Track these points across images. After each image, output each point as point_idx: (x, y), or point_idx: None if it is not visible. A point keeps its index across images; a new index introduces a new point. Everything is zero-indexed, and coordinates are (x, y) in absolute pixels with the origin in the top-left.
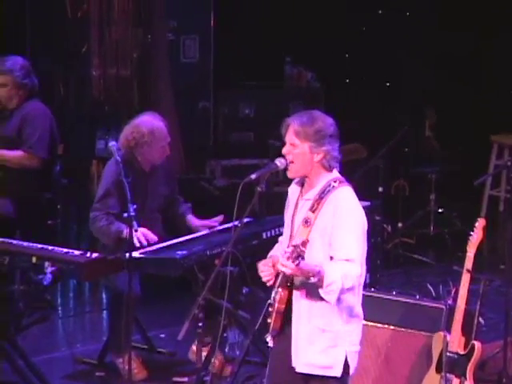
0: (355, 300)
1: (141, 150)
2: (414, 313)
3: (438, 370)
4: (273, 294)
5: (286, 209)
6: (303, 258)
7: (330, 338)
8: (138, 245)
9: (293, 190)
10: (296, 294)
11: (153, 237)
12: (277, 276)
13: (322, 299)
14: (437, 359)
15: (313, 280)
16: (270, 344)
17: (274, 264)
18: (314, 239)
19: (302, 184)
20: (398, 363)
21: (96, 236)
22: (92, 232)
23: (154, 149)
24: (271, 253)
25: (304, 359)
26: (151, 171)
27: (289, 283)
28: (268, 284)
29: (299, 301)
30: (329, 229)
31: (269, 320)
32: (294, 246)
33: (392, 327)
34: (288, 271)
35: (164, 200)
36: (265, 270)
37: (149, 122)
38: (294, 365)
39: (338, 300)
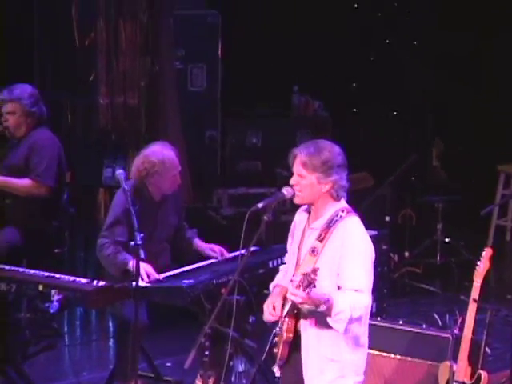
0: (361, 330)
1: (151, 179)
2: (421, 342)
3: None
4: (279, 325)
5: (290, 235)
6: (314, 286)
7: (339, 368)
8: (144, 277)
9: (300, 218)
10: (304, 322)
11: (156, 277)
12: (282, 306)
13: (330, 328)
14: None
15: (321, 309)
16: (277, 374)
17: (282, 295)
18: (321, 268)
19: (309, 212)
20: None
21: (102, 263)
22: (100, 261)
23: (165, 178)
24: (273, 283)
25: None
26: (161, 201)
27: (296, 312)
28: (266, 320)
29: (307, 330)
30: (336, 259)
31: (275, 350)
32: (305, 275)
33: (398, 356)
34: (298, 300)
35: (173, 230)
36: (272, 313)
37: (159, 151)
38: None
39: (345, 329)
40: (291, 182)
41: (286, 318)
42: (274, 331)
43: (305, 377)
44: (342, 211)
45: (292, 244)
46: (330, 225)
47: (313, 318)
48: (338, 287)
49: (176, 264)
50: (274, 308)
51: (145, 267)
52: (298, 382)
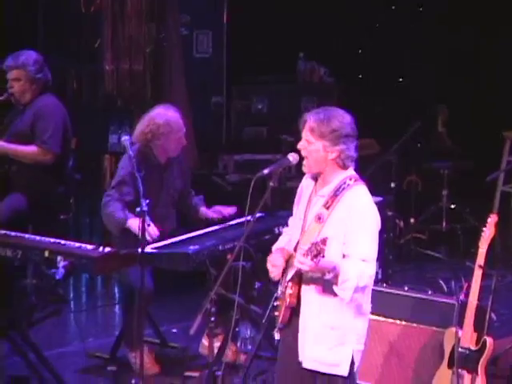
0: (364, 298)
1: (157, 141)
2: (426, 308)
3: (450, 365)
4: (280, 288)
5: (296, 200)
6: (323, 256)
7: (338, 336)
8: (150, 239)
9: (307, 184)
10: (307, 288)
11: (154, 231)
12: (284, 270)
13: (333, 295)
14: (448, 355)
15: (328, 276)
16: (277, 337)
17: (285, 258)
18: (325, 236)
19: (315, 178)
20: (410, 359)
21: (105, 223)
22: (104, 221)
23: (171, 140)
24: (276, 245)
25: (311, 355)
26: (166, 164)
27: (300, 277)
28: (274, 279)
29: (310, 296)
30: (342, 227)
31: (276, 313)
32: (313, 244)
33: (403, 323)
34: (306, 268)
35: (178, 194)
36: (277, 264)
37: (163, 113)
38: (300, 359)
39: (348, 299)
40: (298, 145)
41: (290, 283)
42: (276, 294)
43: (300, 343)
44: (350, 179)
45: (298, 209)
46: (337, 192)
47: (317, 285)
48: (344, 255)
49: (183, 229)
50: (274, 266)
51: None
52: (295, 346)
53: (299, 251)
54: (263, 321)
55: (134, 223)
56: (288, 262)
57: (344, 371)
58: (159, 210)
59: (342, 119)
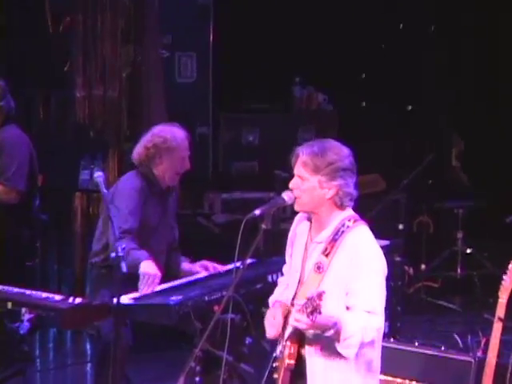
0: (374, 354)
1: (160, 159)
2: (439, 366)
3: None
4: (279, 348)
5: (288, 247)
6: (320, 313)
7: None
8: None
9: (301, 229)
10: (309, 349)
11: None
12: (284, 327)
13: (338, 354)
14: None
15: (329, 334)
16: None
17: (283, 314)
18: (327, 288)
19: (309, 220)
20: None
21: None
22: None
23: (176, 158)
24: (272, 298)
25: None
26: (167, 193)
27: (298, 336)
28: (270, 338)
29: (312, 357)
30: (345, 276)
31: (275, 375)
32: (309, 299)
33: (414, 383)
34: (302, 326)
35: (173, 238)
36: (276, 321)
37: (169, 128)
38: None
39: (356, 355)
40: (290, 184)
41: (288, 343)
42: (275, 354)
43: None
44: (349, 220)
45: (292, 257)
46: (335, 237)
47: (318, 343)
48: (347, 307)
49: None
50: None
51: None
52: None
53: (295, 307)
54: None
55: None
56: (286, 317)
57: None
58: (153, 245)
59: (339, 151)
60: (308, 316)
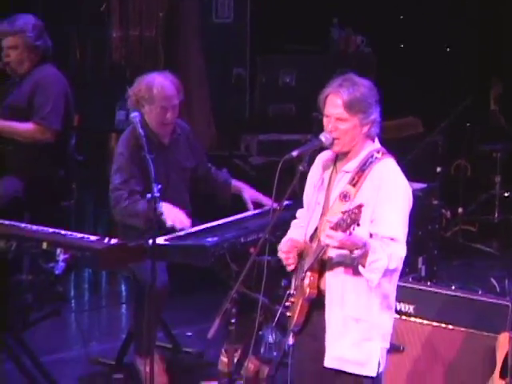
0: (391, 288)
1: (144, 109)
2: (476, 310)
3: (503, 375)
4: (294, 281)
5: (309, 186)
6: (358, 225)
7: (364, 330)
8: (169, 225)
9: (325, 163)
10: (330, 275)
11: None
12: (298, 263)
13: (357, 283)
14: (501, 363)
15: (356, 254)
16: (290, 342)
17: (297, 248)
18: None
19: (336, 154)
20: (457, 367)
21: (120, 219)
22: (114, 215)
23: (155, 107)
24: (285, 238)
25: (334, 352)
26: (171, 143)
27: (320, 267)
28: (289, 269)
29: (332, 284)
30: (371, 205)
31: (289, 313)
32: (347, 212)
33: (450, 326)
34: (334, 243)
35: (190, 175)
36: (291, 252)
37: (150, 77)
38: (325, 361)
39: (376, 287)
40: (329, 127)
41: (308, 273)
42: (289, 292)
43: (326, 339)
44: (378, 152)
45: (314, 192)
46: (363, 167)
47: (340, 270)
48: (371, 235)
49: (195, 219)
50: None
51: (178, 214)
52: (314, 351)
53: (326, 225)
54: (273, 322)
55: (167, 208)
56: (302, 254)
57: (372, 371)
58: (170, 195)
59: (367, 84)
60: (345, 229)
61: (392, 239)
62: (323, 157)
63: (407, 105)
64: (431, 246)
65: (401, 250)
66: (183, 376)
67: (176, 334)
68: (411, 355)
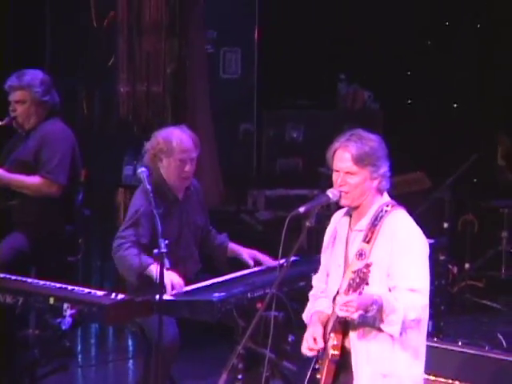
0: (420, 339)
1: (161, 163)
2: (483, 367)
3: None
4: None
5: (329, 243)
6: (367, 284)
7: None
8: (168, 288)
9: (341, 223)
10: (353, 338)
11: (182, 287)
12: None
13: (383, 341)
14: None
15: (372, 313)
16: None
17: (321, 324)
18: (371, 271)
19: (349, 214)
20: None
21: (118, 268)
22: (116, 265)
23: (174, 160)
24: (308, 312)
25: None
26: (185, 198)
27: (342, 326)
28: (306, 354)
29: (357, 345)
30: (386, 260)
31: (318, 376)
32: (356, 272)
33: (457, 383)
34: (350, 312)
35: (200, 231)
36: (315, 346)
37: (169, 131)
38: None
39: (402, 340)
40: (339, 182)
41: (332, 334)
42: (317, 355)
43: None
44: (387, 205)
45: (333, 253)
46: (375, 223)
47: (362, 328)
48: (389, 289)
49: (206, 274)
50: (314, 340)
51: (170, 276)
52: None
53: (341, 296)
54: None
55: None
56: (326, 325)
57: None
58: (181, 251)
59: (375, 139)
60: (355, 289)
61: (411, 290)
62: (337, 217)
63: (414, 160)
64: (438, 301)
65: (420, 299)
66: None
67: None
68: None
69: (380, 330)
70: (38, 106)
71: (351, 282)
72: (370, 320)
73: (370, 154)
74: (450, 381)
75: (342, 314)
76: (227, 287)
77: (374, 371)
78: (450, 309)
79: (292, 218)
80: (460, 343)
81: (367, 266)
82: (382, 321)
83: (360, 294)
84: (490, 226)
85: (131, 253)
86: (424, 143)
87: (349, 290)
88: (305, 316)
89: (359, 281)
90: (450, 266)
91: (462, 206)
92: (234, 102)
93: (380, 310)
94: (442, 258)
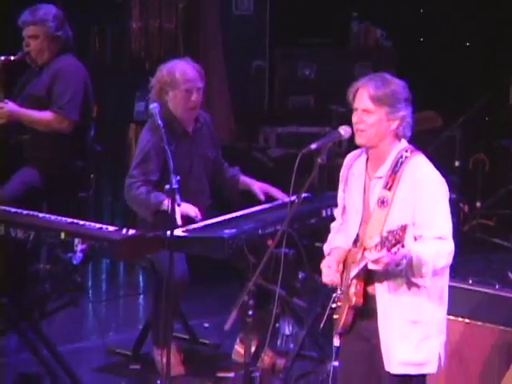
0: (445, 283)
1: (167, 95)
2: (493, 304)
3: None
4: (340, 288)
5: (343, 184)
6: (403, 246)
7: (423, 331)
8: (179, 223)
9: (358, 168)
10: (379, 286)
11: (195, 212)
12: (344, 268)
13: (409, 286)
14: None
15: (401, 267)
16: (337, 344)
17: (339, 259)
18: (394, 221)
19: (366, 158)
20: (473, 361)
21: (131, 207)
22: (127, 203)
23: (178, 92)
24: (326, 245)
25: (397, 358)
26: (195, 131)
27: (366, 274)
28: (327, 283)
29: (383, 293)
30: (410, 207)
31: (335, 316)
32: (390, 232)
33: (467, 320)
34: (380, 266)
35: (211, 163)
36: (331, 274)
37: (172, 63)
38: (386, 367)
39: (429, 287)
40: (355, 119)
41: (354, 281)
42: (335, 295)
43: (383, 347)
44: (406, 151)
45: (349, 198)
46: (395, 169)
47: (389, 279)
48: (415, 238)
49: (216, 211)
50: (329, 268)
51: (185, 208)
52: (362, 352)
53: (369, 245)
54: (321, 324)
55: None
56: (346, 259)
57: (433, 368)
58: (192, 185)
59: (399, 82)
60: (389, 249)
61: (438, 238)
62: (352, 158)
63: (426, 99)
64: None
65: (448, 246)
66: (200, 367)
67: (193, 325)
68: None
69: (408, 278)
70: (51, 41)
71: (384, 240)
72: (401, 273)
73: (389, 94)
74: (460, 319)
75: (372, 267)
76: (238, 224)
77: (403, 318)
78: (460, 247)
79: (303, 155)
80: (470, 281)
81: (403, 228)
82: (412, 273)
83: (394, 254)
84: (502, 165)
85: (142, 191)
86: (437, 82)
87: (381, 247)
88: (325, 247)
89: (395, 241)
90: (461, 205)
91: (474, 144)
92: (246, 39)
93: (410, 263)
94: (453, 196)
